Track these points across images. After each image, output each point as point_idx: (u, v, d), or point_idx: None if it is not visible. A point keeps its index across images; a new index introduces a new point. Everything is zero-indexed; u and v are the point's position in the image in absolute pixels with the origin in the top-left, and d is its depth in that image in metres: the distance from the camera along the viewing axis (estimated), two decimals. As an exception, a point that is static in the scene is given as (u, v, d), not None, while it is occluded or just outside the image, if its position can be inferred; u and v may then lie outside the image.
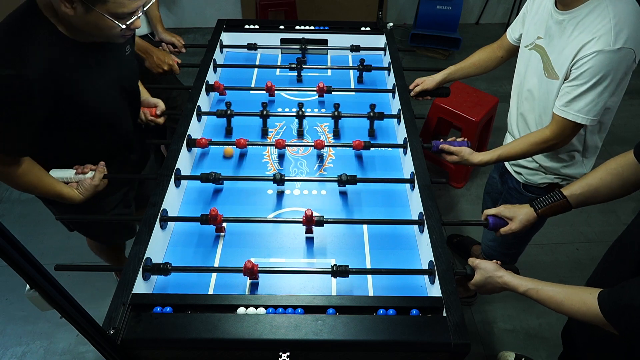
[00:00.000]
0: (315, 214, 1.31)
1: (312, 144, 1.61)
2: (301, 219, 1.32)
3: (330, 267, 1.22)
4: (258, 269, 1.21)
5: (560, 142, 1.43)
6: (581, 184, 1.26)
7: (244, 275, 1.21)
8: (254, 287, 1.27)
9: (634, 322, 0.90)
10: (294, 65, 2.00)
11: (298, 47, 2.13)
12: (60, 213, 1.58)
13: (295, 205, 1.51)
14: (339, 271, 1.20)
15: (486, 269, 1.17)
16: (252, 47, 2.12)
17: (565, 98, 1.36)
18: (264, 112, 1.70)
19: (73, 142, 1.41)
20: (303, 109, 1.73)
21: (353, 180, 1.45)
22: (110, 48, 1.37)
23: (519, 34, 1.63)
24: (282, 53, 2.22)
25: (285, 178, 1.47)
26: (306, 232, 1.40)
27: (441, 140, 1.60)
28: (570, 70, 1.34)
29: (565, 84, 1.36)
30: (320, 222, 1.32)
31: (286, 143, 1.61)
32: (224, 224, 1.40)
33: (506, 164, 1.77)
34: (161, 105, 1.71)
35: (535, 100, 1.52)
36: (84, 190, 1.41)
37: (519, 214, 1.31)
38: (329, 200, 1.52)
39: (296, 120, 1.80)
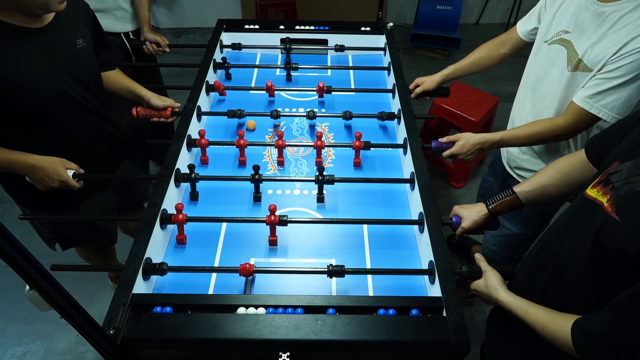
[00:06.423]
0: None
1: (312, 144, 1.61)
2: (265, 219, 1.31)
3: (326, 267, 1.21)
4: (254, 269, 1.21)
5: (570, 133, 1.40)
6: (531, 181, 1.27)
7: (241, 275, 1.21)
8: (254, 287, 1.27)
9: (601, 352, 0.85)
10: (282, 66, 2.00)
11: (283, 46, 2.11)
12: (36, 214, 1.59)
13: (295, 205, 1.51)
14: (335, 271, 1.20)
15: (490, 279, 1.15)
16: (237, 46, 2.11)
17: (593, 90, 1.31)
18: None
19: (12, 129, 1.40)
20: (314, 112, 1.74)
21: (331, 180, 1.44)
22: (54, 35, 1.37)
23: (531, 28, 1.59)
24: (260, 54, 2.20)
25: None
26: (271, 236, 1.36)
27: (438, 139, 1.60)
28: (606, 63, 1.28)
29: (596, 76, 1.31)
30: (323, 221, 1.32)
31: (286, 143, 1.61)
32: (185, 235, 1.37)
33: (508, 168, 1.75)
34: (168, 102, 1.70)
35: (555, 94, 1.46)
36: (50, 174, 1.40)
37: (471, 213, 1.32)
38: (329, 200, 1.52)
39: (296, 120, 1.80)
